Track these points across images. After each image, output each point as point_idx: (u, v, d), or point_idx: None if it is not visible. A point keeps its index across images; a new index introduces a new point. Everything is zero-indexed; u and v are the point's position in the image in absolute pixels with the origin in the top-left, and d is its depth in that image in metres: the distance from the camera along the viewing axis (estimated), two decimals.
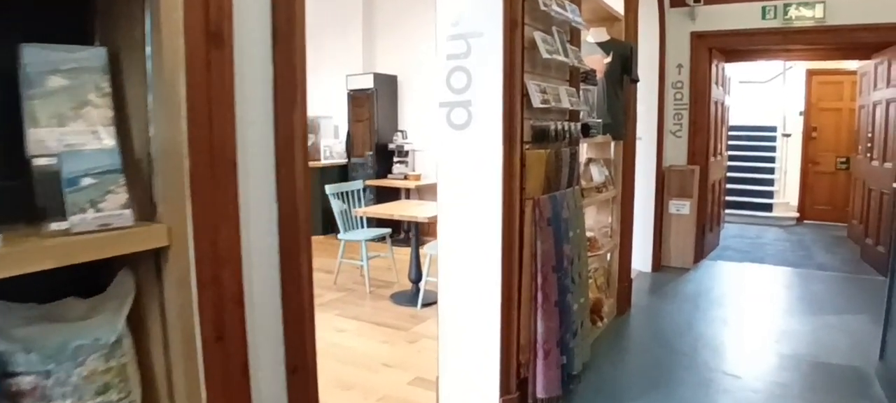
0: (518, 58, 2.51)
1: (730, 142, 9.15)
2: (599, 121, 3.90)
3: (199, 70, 1.32)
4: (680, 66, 6.11)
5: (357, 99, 7.82)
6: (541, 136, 2.70)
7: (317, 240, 7.61)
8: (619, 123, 4.13)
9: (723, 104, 7.02)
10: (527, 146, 2.68)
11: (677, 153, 6.22)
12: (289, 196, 1.53)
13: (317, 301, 5.09)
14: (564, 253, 2.86)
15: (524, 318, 2.73)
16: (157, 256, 1.27)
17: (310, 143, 8.12)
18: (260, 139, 1.50)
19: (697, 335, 4.08)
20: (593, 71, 3.65)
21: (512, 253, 2.60)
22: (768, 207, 8.71)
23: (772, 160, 9.18)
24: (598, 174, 4.06)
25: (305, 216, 1.58)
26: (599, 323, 3.89)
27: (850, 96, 8.19)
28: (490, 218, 2.59)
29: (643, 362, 3.65)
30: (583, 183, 3.82)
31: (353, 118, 7.92)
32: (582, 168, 4.14)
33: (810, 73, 8.62)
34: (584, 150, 4.43)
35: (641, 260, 5.85)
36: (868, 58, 6.38)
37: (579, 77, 3.27)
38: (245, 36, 1.45)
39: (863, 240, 6.35)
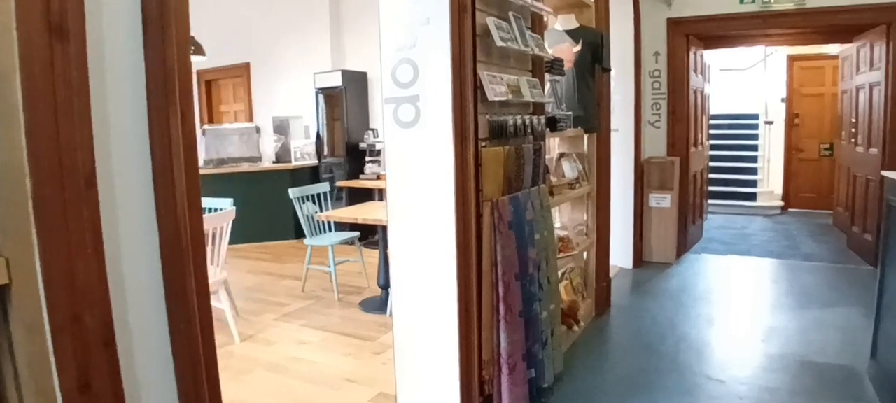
0: (469, 47, 2.26)
1: (711, 132, 8.99)
2: (570, 113, 3.68)
3: (40, 70, 1.08)
4: (657, 54, 5.90)
5: (326, 97, 7.55)
6: (498, 132, 2.46)
7: (289, 245, 7.35)
8: (591, 115, 3.90)
9: (703, 92, 6.82)
10: (483, 143, 2.44)
11: (656, 144, 6.01)
12: (171, 218, 1.28)
13: (283, 310, 4.80)
14: (530, 258, 2.62)
15: (486, 331, 2.49)
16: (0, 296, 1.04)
17: (279, 145, 7.84)
18: (131, 151, 1.25)
19: (680, 335, 3.87)
20: (561, 60, 3.42)
21: (468, 262, 2.36)
22: (752, 196, 8.55)
23: (755, 148, 9.02)
24: (569, 169, 3.83)
25: (196, 239, 1.33)
26: (575, 328, 3.67)
27: (833, 81, 8.03)
28: (443, 224, 2.34)
29: (622, 368, 3.43)
30: (553, 179, 3.59)
31: (324, 117, 7.65)
32: (553, 163, 3.92)
33: (791, 59, 8.45)
34: (555, 145, 4.20)
35: (622, 256, 5.64)
36: (849, 41, 6.20)
37: (544, 67, 3.03)
38: (104, 27, 1.19)
39: (849, 228, 6.18)
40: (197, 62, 8.33)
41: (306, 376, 3.53)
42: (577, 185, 3.87)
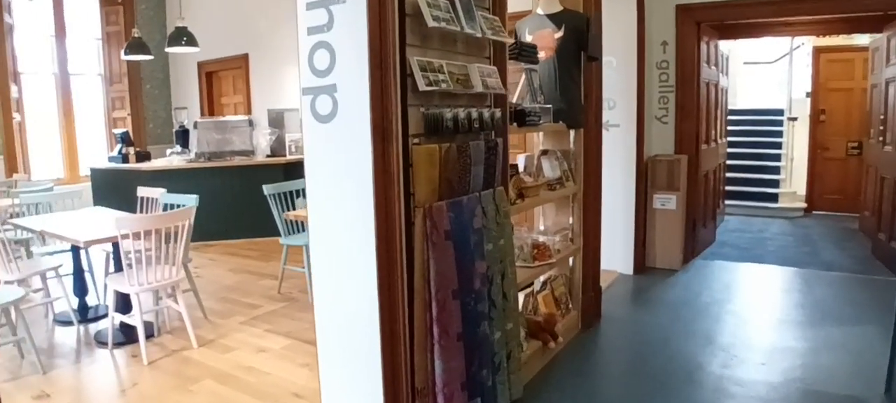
0: (391, 28, 1.92)
1: (733, 127, 8.49)
2: (548, 107, 3.31)
3: None
4: (665, 43, 5.46)
5: None
6: (434, 128, 2.11)
7: (278, 242, 7.09)
8: (576, 109, 3.52)
9: (718, 86, 6.36)
10: (416, 140, 2.10)
11: (664, 141, 5.58)
12: None
13: (254, 312, 4.47)
14: (476, 273, 2.27)
15: (420, 356, 2.16)
16: None
17: (273, 138, 7.58)
18: None
19: (672, 354, 3.48)
20: (533, 47, 3.05)
21: (393, 278, 2.02)
22: (774, 197, 8.02)
23: (778, 146, 8.47)
24: (549, 168, 3.46)
25: None
26: (552, 344, 3.30)
27: (863, 74, 7.46)
28: (363, 234, 2.01)
29: (599, 392, 3.06)
30: (528, 179, 3.23)
31: None
32: (535, 161, 3.55)
33: (818, 51, 7.88)
34: (539, 140, 3.83)
35: (622, 261, 5.24)
36: (880, 30, 5.68)
37: (508, 53, 2.67)
38: None
39: (875, 235, 5.67)
40: (196, 53, 8.15)
41: (253, 389, 3.24)
42: (559, 186, 3.49)
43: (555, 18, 3.43)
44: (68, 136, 8.81)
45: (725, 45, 7.04)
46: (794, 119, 8.31)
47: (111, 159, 7.85)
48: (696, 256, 5.71)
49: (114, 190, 7.50)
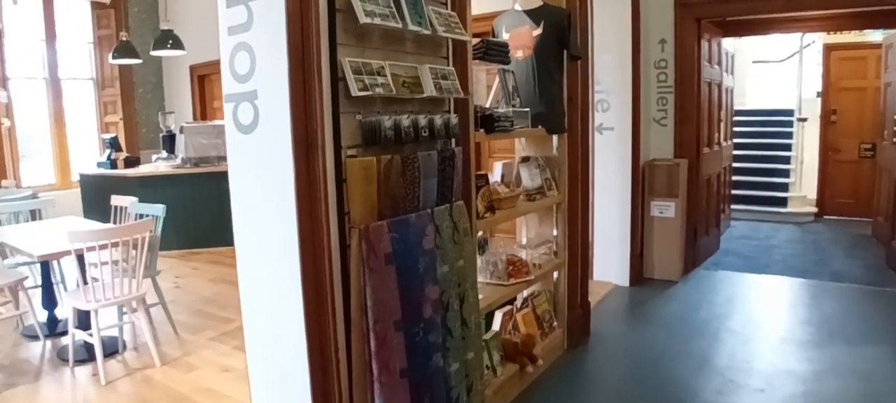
0: (315, 25, 1.67)
1: (741, 129, 8.18)
2: (525, 110, 3.05)
3: None
4: (663, 41, 5.17)
5: None
6: (372, 137, 1.86)
7: None
8: (557, 112, 3.25)
9: (721, 86, 6.05)
10: (352, 152, 1.85)
11: (663, 145, 5.29)
12: None
13: (226, 327, 4.22)
14: (426, 299, 2.02)
15: (359, 396, 1.91)
16: None
17: None
18: None
19: (664, 378, 3.20)
20: (503, 46, 2.80)
21: (322, 308, 1.78)
22: (783, 201, 7.67)
23: (787, 148, 8.13)
24: (528, 177, 3.20)
25: None
26: (530, 368, 3.04)
27: (876, 73, 7.11)
28: (288, 258, 1.76)
29: None
30: (502, 190, 2.96)
31: None
32: (514, 170, 3.30)
33: (829, 48, 7.54)
34: (520, 147, 3.57)
35: (617, 272, 4.96)
36: (894, 26, 5.36)
37: (472, 53, 2.41)
38: None
39: (889, 242, 5.35)
40: (188, 57, 7.96)
41: None
42: (539, 196, 3.23)
43: (534, 14, 3.16)
44: (59, 142, 8.66)
45: (731, 44, 6.73)
46: (804, 120, 7.97)
47: (100, 165, 7.70)
48: (698, 266, 5.41)
49: (102, 196, 7.32)
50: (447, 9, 2.23)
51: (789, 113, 8.35)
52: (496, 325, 3.21)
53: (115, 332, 4.05)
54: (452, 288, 2.16)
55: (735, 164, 7.42)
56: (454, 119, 2.20)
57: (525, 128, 3.04)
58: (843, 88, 7.52)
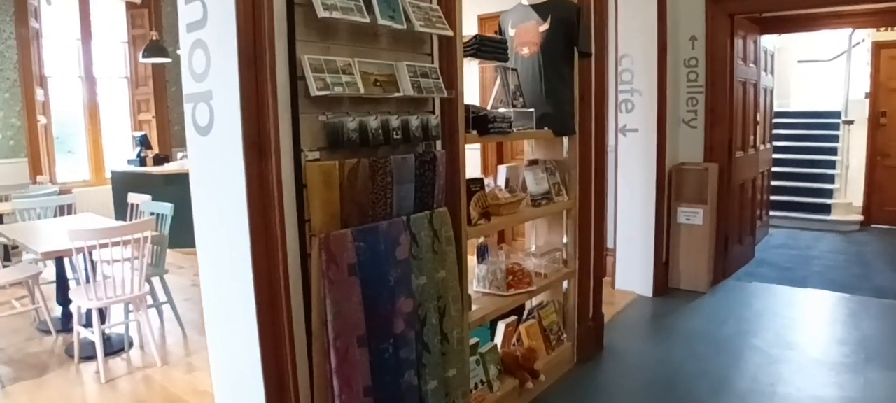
0: (267, 18, 1.55)
1: (782, 131, 7.77)
2: (529, 111, 2.88)
3: None
4: (693, 38, 4.90)
5: None
6: (335, 140, 1.73)
7: None
8: (565, 113, 3.06)
9: (757, 85, 5.72)
10: (315, 155, 1.72)
11: (693, 147, 5.01)
12: None
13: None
14: (398, 313, 1.88)
15: None
16: None
17: None
18: None
19: (674, 401, 2.98)
20: (500, 42, 2.63)
21: (277, 321, 1.65)
22: (826, 209, 7.25)
23: (833, 152, 7.68)
24: (534, 181, 3.02)
25: None
26: (530, 384, 2.86)
27: None
28: (243, 268, 1.65)
29: None
30: (503, 194, 2.80)
31: None
32: (520, 174, 3.12)
33: (878, 46, 7.08)
34: (529, 149, 3.40)
35: (640, 282, 4.72)
36: None
37: (462, 50, 2.25)
38: None
39: None
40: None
41: None
42: (545, 201, 3.05)
43: (540, 9, 2.98)
44: (94, 139, 8.84)
45: (773, 42, 6.38)
46: (851, 122, 7.51)
47: (130, 162, 7.83)
48: (729, 276, 5.12)
49: (133, 193, 7.46)
50: (429, 2, 2.08)
51: (835, 115, 7.89)
52: (499, 337, 3.06)
53: (122, 329, 4.05)
54: (430, 300, 2.01)
55: (775, 169, 7.05)
56: (434, 120, 2.05)
57: (528, 130, 2.86)
58: (893, 89, 7.05)
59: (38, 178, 7.59)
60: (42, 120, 8.04)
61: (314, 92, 1.64)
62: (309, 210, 1.70)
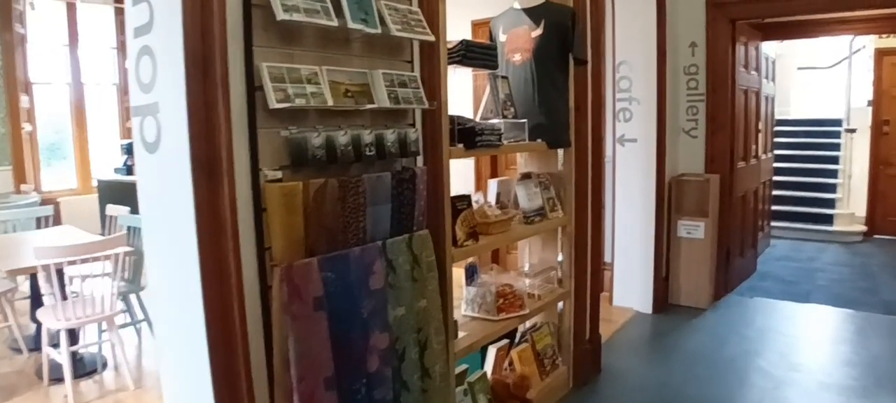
0: (219, 24, 1.37)
1: (783, 140, 7.61)
2: (521, 121, 2.70)
3: None
4: (693, 44, 4.74)
5: None
6: (299, 158, 1.55)
7: None
8: (560, 124, 2.89)
9: (759, 93, 5.56)
10: (276, 176, 1.54)
11: (693, 158, 4.84)
12: None
13: None
14: (371, 350, 1.69)
15: None
16: None
17: None
18: None
19: None
20: (489, 48, 2.46)
21: (232, 363, 1.46)
22: (828, 219, 7.08)
23: (835, 161, 7.52)
24: (526, 197, 2.84)
25: None
26: None
27: None
28: (193, 301, 1.46)
29: None
30: (493, 212, 2.62)
31: None
32: (511, 189, 2.94)
33: (881, 53, 6.92)
34: (522, 162, 3.22)
35: (639, 298, 4.54)
36: None
37: (444, 56, 2.07)
38: None
39: None
40: None
41: None
42: (538, 218, 2.87)
43: (533, 13, 2.81)
44: (81, 147, 8.64)
45: (773, 48, 6.23)
46: (853, 130, 7.35)
47: (116, 171, 7.64)
48: (730, 291, 4.94)
49: (118, 202, 7.27)
50: (408, 4, 1.90)
51: (837, 123, 7.73)
52: (489, 363, 2.87)
53: (96, 348, 3.86)
54: (409, 333, 1.82)
55: (777, 178, 6.88)
56: (414, 134, 1.86)
57: (520, 142, 2.68)
58: None
59: (22, 187, 7.39)
60: (27, 127, 7.85)
61: (273, 104, 1.45)
62: (269, 237, 1.51)
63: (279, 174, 1.54)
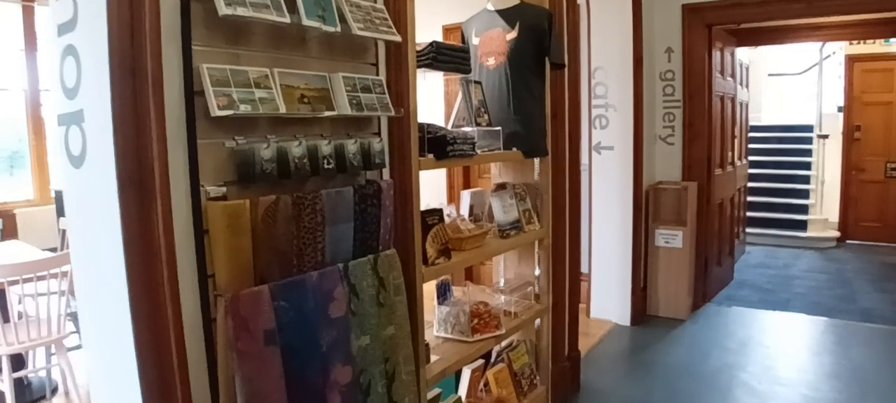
0: (149, 20, 1.18)
1: (755, 146, 7.62)
2: (496, 129, 2.55)
3: None
4: (670, 50, 4.66)
5: None
6: (246, 172, 1.37)
7: None
8: (535, 131, 2.74)
9: (735, 100, 5.51)
10: (220, 193, 1.36)
11: (670, 165, 4.76)
12: None
13: None
14: (332, 385, 1.51)
15: None
16: None
17: None
18: None
19: None
20: (461, 50, 2.30)
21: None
22: (802, 225, 7.08)
23: (807, 167, 7.55)
24: (501, 209, 2.69)
25: None
26: None
27: None
28: (124, 340, 1.27)
29: None
30: (467, 226, 2.46)
31: None
32: (485, 201, 2.79)
33: (851, 59, 6.97)
34: (497, 172, 3.07)
35: (617, 310, 4.42)
36: None
37: (413, 59, 1.91)
38: None
39: None
40: None
41: None
42: (514, 232, 2.71)
43: (508, 15, 2.67)
44: (38, 156, 8.26)
45: (745, 54, 6.21)
46: (825, 136, 7.39)
47: None
48: (709, 301, 4.86)
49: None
50: (372, 1, 1.73)
51: (808, 129, 7.77)
52: (463, 386, 2.70)
53: (47, 374, 3.61)
54: (375, 365, 1.65)
55: (751, 184, 6.86)
56: (378, 144, 1.69)
57: (495, 152, 2.53)
58: (867, 103, 6.94)
59: None
60: None
61: (215, 111, 1.27)
62: (212, 263, 1.33)
63: (223, 191, 1.35)
